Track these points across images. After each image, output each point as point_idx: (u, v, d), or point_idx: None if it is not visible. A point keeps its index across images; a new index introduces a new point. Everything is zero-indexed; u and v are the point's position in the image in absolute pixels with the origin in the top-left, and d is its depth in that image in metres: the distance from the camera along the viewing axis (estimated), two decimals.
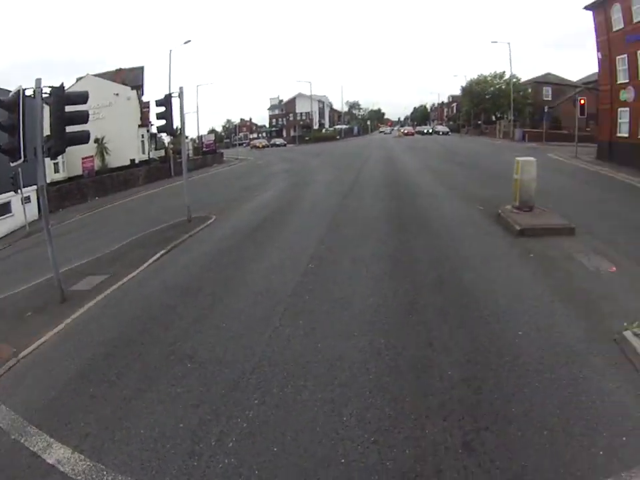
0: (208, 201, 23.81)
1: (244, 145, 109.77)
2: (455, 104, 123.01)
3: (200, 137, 70.45)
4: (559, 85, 79.42)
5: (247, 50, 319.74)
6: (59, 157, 38.55)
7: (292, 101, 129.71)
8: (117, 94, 47.70)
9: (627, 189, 22.81)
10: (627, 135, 33.86)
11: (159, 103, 19.43)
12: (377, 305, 9.31)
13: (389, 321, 8.64)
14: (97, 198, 35.05)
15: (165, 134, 33.31)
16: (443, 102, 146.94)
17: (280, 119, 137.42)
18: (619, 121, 35.26)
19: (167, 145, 55.47)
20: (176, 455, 5.61)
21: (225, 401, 6.52)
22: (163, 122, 19.34)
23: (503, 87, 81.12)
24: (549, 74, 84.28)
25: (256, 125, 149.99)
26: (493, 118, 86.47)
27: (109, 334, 9.30)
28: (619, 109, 35.20)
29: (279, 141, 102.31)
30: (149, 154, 51.53)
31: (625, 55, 33.71)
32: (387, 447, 5.49)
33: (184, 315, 9.50)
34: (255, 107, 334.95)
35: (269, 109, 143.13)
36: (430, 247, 13.20)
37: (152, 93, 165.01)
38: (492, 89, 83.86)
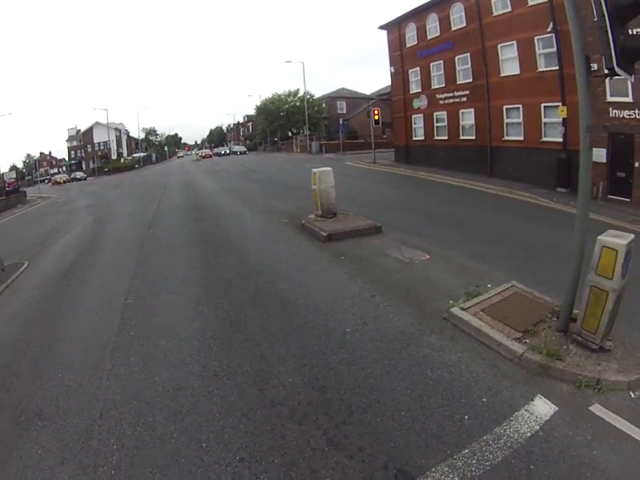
0: (19, 247, 21.94)
1: (45, 181, 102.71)
2: (250, 123, 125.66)
3: (1, 176, 63.86)
4: (352, 99, 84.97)
5: (40, 76, 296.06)
6: None
7: (89, 131, 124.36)
8: None
9: (428, 185, 24.89)
10: (422, 138, 37.83)
11: None
12: (201, 329, 9.25)
13: (216, 342, 8.64)
14: None
15: None
16: (238, 122, 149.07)
17: (79, 151, 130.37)
18: (414, 126, 39.18)
19: None
20: None
21: (86, 452, 6.13)
22: None
23: (298, 103, 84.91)
24: (343, 89, 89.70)
25: (55, 158, 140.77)
26: (290, 134, 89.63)
27: None
28: (413, 116, 39.15)
29: (79, 174, 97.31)
30: None
31: (418, 68, 37.61)
32: (256, 462, 5.54)
33: (20, 373, 8.75)
34: (54, 139, 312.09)
35: (67, 141, 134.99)
36: (240, 265, 13.32)
37: None
38: (286, 106, 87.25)
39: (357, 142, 68.07)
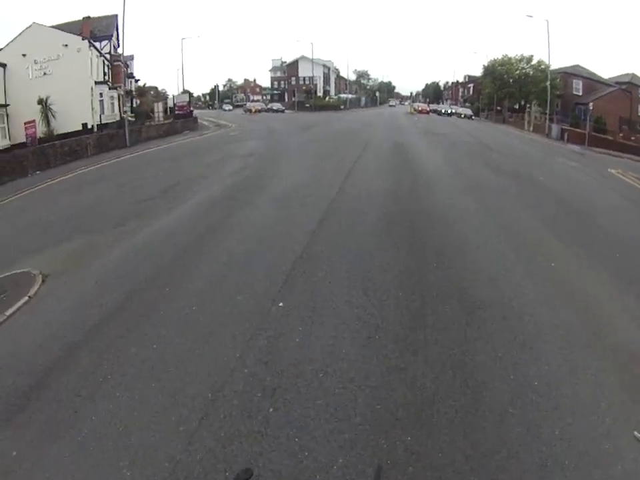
0: (89, 219, 14.57)
1: (245, 105, 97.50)
2: (471, 84, 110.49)
3: (173, 97, 58.13)
4: (589, 80, 69.44)
5: (246, 4, 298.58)
6: None
7: (294, 64, 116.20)
8: (66, 45, 36.84)
9: None
10: None
11: None
12: None
13: None
14: (37, 172, 27.21)
15: None
16: (457, 81, 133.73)
17: (282, 82, 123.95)
18: None
19: (124, 108, 42.91)
20: None
21: None
22: None
23: (530, 72, 71.77)
24: (577, 66, 73.46)
25: (260, 86, 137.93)
26: (516, 106, 75.90)
27: None
28: None
29: (276, 105, 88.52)
30: (100, 117, 40.35)
31: None
32: None
33: None
34: (257, 67, 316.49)
35: (270, 70, 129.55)
36: None
37: (131, 44, 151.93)
38: (517, 72, 73.98)
39: (604, 137, 51.54)
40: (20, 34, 36.60)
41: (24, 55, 35.30)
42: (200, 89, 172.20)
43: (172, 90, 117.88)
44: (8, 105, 34.23)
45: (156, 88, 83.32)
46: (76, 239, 12.49)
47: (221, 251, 10.39)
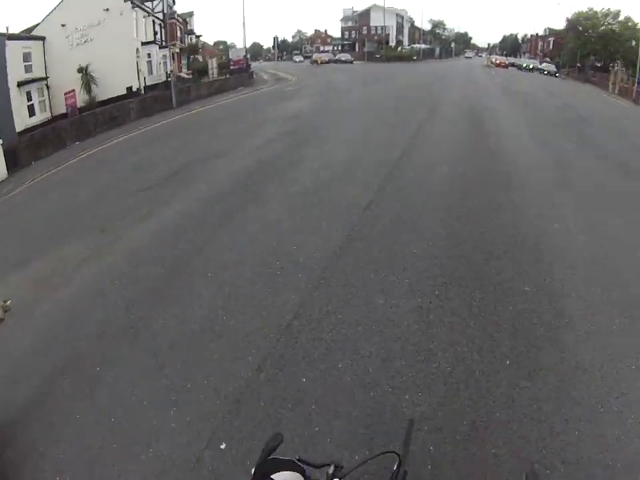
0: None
1: (312, 57, 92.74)
2: (551, 38, 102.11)
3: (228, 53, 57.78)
4: None
5: None
6: (36, 96, 32.54)
7: (366, 13, 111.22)
8: (107, 9, 36.01)
9: None
10: None
11: None
12: None
13: None
14: (77, 142, 26.91)
15: None
16: (537, 34, 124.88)
17: (353, 32, 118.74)
18: None
19: (171, 67, 41.68)
20: None
21: None
22: None
23: (616, 28, 66.61)
24: None
25: (331, 37, 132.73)
26: (598, 65, 68.69)
27: None
28: None
29: (344, 56, 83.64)
30: (144, 80, 39.35)
31: None
32: None
33: None
34: (328, 18, 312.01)
35: (341, 20, 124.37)
36: None
37: (185, 3, 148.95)
38: (602, 28, 68.73)
39: None
40: (59, 4, 35.41)
41: (63, 25, 34.61)
42: (270, 41, 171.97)
43: (241, 44, 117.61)
44: (47, 77, 33.47)
45: (225, 42, 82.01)
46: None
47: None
